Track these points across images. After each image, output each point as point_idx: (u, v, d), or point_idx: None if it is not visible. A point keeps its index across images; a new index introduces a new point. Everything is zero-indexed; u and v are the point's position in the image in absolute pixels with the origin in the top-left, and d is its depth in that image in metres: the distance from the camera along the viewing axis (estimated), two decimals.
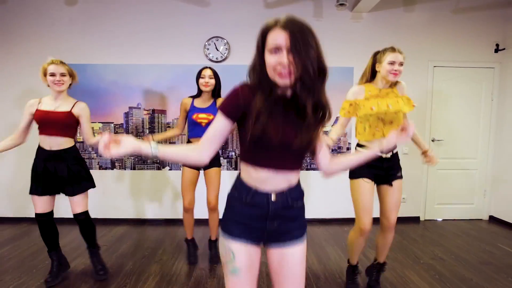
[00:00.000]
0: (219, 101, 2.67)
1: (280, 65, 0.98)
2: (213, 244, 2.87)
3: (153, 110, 3.79)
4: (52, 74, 2.28)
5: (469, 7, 3.87)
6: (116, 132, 3.79)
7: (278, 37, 0.98)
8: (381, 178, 2.16)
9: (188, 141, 2.72)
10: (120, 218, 3.87)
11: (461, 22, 3.89)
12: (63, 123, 2.31)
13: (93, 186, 2.47)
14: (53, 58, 2.34)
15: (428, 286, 2.43)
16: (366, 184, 2.11)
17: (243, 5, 3.75)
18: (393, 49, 2.03)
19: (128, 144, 0.97)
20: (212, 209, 2.73)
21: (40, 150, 2.33)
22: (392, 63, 2.01)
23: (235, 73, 3.71)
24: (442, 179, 4.07)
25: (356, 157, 1.24)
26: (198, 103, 2.67)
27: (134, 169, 3.85)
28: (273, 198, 1.10)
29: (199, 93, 2.68)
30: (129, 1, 3.70)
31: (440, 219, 4.12)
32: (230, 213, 1.16)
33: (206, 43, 3.75)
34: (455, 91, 3.97)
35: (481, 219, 4.14)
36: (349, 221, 3.68)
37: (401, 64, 2.03)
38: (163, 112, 3.79)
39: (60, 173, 2.30)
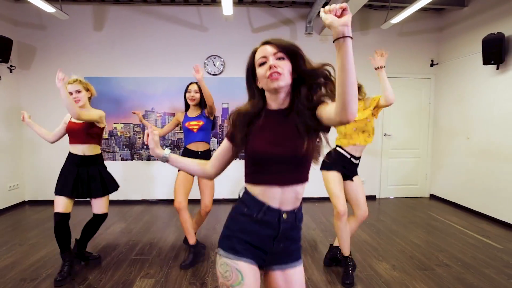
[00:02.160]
0: (207, 110, 2.85)
1: (268, 69, 1.06)
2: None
3: (164, 113, 4.78)
4: (70, 93, 2.44)
5: (410, 31, 4.98)
6: (134, 131, 4.76)
7: (263, 51, 1.11)
8: (345, 176, 2.53)
9: (185, 148, 2.89)
10: (139, 199, 4.85)
11: (405, 43, 4.99)
12: (82, 131, 2.51)
13: (115, 189, 2.73)
14: (72, 78, 2.50)
15: (367, 235, 3.50)
16: (335, 174, 2.47)
17: (235, 30, 4.76)
18: None
19: (150, 141, 1.19)
20: (207, 212, 2.88)
21: (71, 155, 2.57)
22: None
23: (229, 83, 4.76)
24: (393, 165, 5.17)
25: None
26: (189, 113, 2.91)
27: (149, 160, 4.83)
28: (284, 216, 1.08)
29: (188, 106, 2.93)
30: (144, 26, 4.68)
31: (392, 197, 5.22)
32: (234, 230, 1.11)
33: (206, 60, 4.76)
34: (401, 97, 5.07)
35: (423, 197, 5.26)
36: (319, 200, 4.76)
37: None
38: (172, 114, 4.78)
39: (91, 176, 2.55)
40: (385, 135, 5.10)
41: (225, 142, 1.20)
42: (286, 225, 1.09)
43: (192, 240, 2.78)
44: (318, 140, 1.12)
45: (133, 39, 4.69)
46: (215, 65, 4.76)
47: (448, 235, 3.48)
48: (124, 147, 4.77)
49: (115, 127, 4.74)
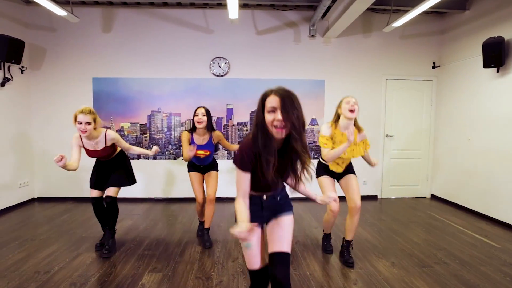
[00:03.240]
0: (215, 135, 3.15)
1: (276, 120, 1.35)
2: (205, 231, 3.28)
3: (170, 113, 4.89)
4: (79, 122, 2.66)
5: (412, 34, 5.05)
6: (141, 130, 4.88)
7: (273, 101, 1.36)
8: (338, 177, 2.87)
9: (190, 163, 3.25)
10: (145, 197, 4.97)
11: (407, 45, 5.07)
12: (106, 153, 2.93)
13: (128, 184, 3.11)
14: (84, 107, 2.70)
15: (368, 234, 3.58)
16: (327, 179, 2.82)
17: (240, 33, 4.86)
18: (347, 96, 2.64)
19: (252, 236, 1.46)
20: (211, 200, 3.17)
21: (98, 161, 3.08)
22: (347, 102, 2.58)
23: (234, 84, 4.86)
24: (394, 166, 5.24)
25: (309, 193, 1.84)
26: (196, 138, 3.10)
27: (155, 159, 4.94)
28: (264, 197, 1.61)
29: (194, 128, 3.09)
30: (151, 29, 4.79)
31: (393, 197, 5.30)
32: None
33: (211, 62, 4.86)
34: (403, 98, 5.15)
35: (424, 197, 5.33)
36: None
37: (355, 103, 2.57)
38: (178, 114, 4.89)
39: (114, 170, 3.02)
40: (387, 136, 5.17)
41: (245, 174, 1.48)
42: (267, 202, 1.62)
43: (202, 219, 3.44)
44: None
45: (140, 41, 4.80)
46: (220, 67, 4.86)
47: (447, 234, 3.55)
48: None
49: (122, 127, 4.86)
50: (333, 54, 5.00)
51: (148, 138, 4.91)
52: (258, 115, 1.43)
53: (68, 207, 4.54)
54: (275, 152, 1.43)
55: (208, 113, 3.09)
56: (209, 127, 3.11)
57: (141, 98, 4.84)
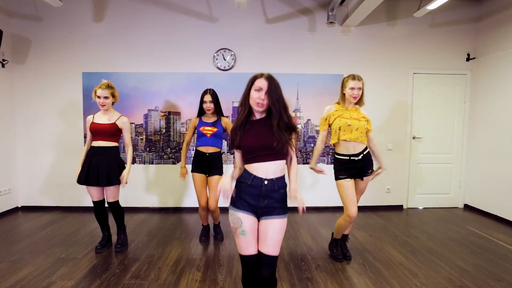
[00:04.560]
0: (224, 121, 3.19)
1: (259, 98, 1.60)
2: (216, 226, 3.39)
3: (169, 112, 4.35)
4: (98, 97, 2.83)
5: (443, 22, 4.44)
6: (136, 131, 4.34)
7: (261, 83, 1.61)
8: (356, 174, 2.67)
9: (196, 150, 3.17)
10: (140, 206, 4.42)
11: (437, 35, 4.45)
12: (108, 131, 2.86)
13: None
14: (103, 82, 2.87)
15: (401, 255, 2.98)
16: (347, 183, 2.65)
17: (247, 21, 4.30)
18: (353, 77, 2.60)
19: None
20: (212, 211, 3.18)
21: (90, 148, 2.92)
22: (352, 88, 2.58)
23: (241, 79, 4.27)
24: (422, 172, 4.62)
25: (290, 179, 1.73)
26: (205, 119, 3.17)
27: (152, 163, 4.40)
28: (265, 182, 1.61)
29: (203, 112, 3.16)
30: (148, 17, 4.26)
31: (421, 207, 4.67)
32: (238, 193, 1.67)
33: (215, 54, 4.31)
34: (433, 95, 4.53)
35: (457, 207, 4.69)
36: (340, 209, 4.23)
37: (359, 89, 2.59)
38: (177, 114, 4.35)
39: (101, 166, 2.82)
40: (414, 138, 4.56)
41: (238, 151, 1.74)
42: (267, 187, 1.62)
43: (205, 223, 3.37)
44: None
45: (136, 31, 4.27)
46: (225, 59, 4.31)
47: (499, 258, 2.93)
48: (124, 149, 4.35)
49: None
50: (352, 45, 4.41)
51: (144, 140, 4.37)
52: (245, 92, 1.68)
53: (54, 218, 4.02)
54: (255, 125, 1.67)
55: (214, 98, 3.12)
56: (217, 112, 3.18)
57: (136, 95, 4.31)
